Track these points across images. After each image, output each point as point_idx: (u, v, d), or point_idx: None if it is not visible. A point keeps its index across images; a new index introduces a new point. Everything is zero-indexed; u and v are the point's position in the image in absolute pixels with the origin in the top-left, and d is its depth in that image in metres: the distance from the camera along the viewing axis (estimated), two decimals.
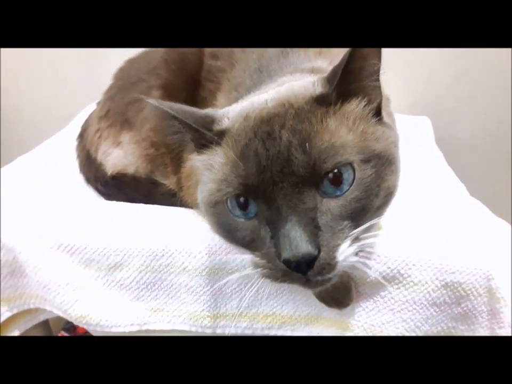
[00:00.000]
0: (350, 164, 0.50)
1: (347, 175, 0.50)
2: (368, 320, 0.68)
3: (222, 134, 0.56)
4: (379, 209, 0.54)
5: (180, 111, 0.56)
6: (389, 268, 0.64)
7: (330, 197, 0.51)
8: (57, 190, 0.90)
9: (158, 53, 0.88)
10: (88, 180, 0.93)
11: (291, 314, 0.72)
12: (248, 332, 0.74)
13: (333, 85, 0.53)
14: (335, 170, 0.50)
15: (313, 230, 0.49)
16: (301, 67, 0.70)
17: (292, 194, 0.50)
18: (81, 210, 0.80)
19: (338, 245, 0.50)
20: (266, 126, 0.52)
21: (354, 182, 0.50)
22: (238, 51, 0.82)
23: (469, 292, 0.63)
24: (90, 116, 1.00)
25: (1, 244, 0.75)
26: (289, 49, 0.76)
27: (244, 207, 0.53)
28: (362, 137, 0.53)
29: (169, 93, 0.82)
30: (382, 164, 0.52)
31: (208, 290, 0.72)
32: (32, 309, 0.80)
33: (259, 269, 0.54)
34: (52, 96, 1.61)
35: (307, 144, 0.50)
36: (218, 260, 0.70)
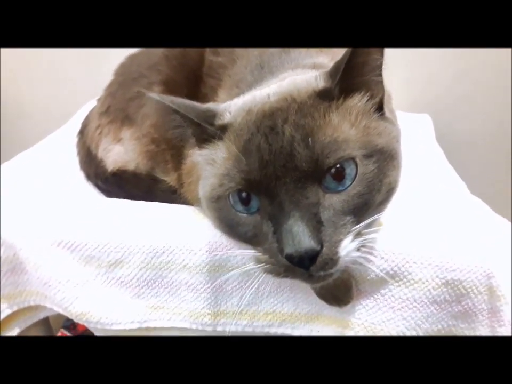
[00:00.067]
0: (353, 159, 0.50)
1: (349, 170, 0.50)
2: (369, 318, 0.68)
3: (224, 128, 0.55)
4: (381, 204, 0.54)
5: (181, 105, 0.56)
6: (389, 265, 0.64)
7: (333, 192, 0.51)
8: (58, 187, 0.90)
9: (159, 49, 0.88)
10: (89, 177, 0.93)
11: (291, 312, 0.72)
12: (249, 330, 0.74)
13: (335, 80, 0.52)
14: (338, 165, 0.50)
15: (316, 225, 0.49)
16: (303, 63, 0.70)
17: (295, 189, 0.50)
18: (81, 207, 0.80)
19: (341, 240, 0.50)
20: (268, 121, 0.52)
21: (357, 177, 0.50)
22: None
23: (469, 290, 0.63)
24: (90, 112, 1.00)
25: (1, 240, 0.74)
26: None
27: (246, 202, 0.53)
28: (364, 132, 0.52)
29: (170, 89, 0.81)
30: (384, 159, 0.52)
31: (208, 287, 0.71)
32: (32, 306, 0.80)
33: (261, 265, 0.53)
34: (52, 94, 1.61)
35: (310, 139, 0.50)
36: (219, 257, 0.69)
